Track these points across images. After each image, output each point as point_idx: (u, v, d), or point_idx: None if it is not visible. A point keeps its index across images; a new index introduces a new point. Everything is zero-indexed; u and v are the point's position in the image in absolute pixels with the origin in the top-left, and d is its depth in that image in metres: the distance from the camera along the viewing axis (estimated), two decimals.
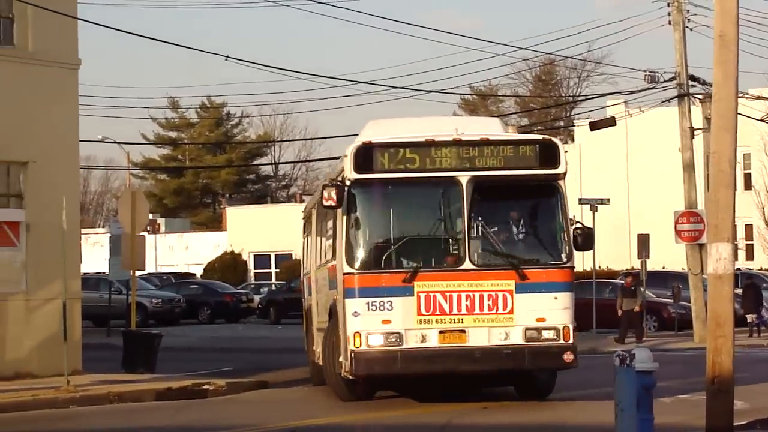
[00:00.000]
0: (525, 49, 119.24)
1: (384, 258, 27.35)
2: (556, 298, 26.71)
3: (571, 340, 26.57)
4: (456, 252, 27.28)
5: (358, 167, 26.77)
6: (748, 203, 77.02)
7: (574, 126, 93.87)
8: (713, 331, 22.80)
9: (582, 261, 74.60)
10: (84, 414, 28.75)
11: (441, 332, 26.49)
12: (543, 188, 27.83)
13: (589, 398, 29.69)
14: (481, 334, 26.50)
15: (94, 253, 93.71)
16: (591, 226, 29.35)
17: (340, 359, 27.74)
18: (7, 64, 34.55)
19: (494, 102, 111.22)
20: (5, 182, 35.18)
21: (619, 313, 51.30)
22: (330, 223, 30.14)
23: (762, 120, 61.48)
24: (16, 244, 34.93)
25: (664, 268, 65.41)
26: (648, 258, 55.57)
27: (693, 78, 52.17)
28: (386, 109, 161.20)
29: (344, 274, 26.94)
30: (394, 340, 26.31)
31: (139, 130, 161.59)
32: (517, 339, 26.40)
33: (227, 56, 42.40)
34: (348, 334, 26.52)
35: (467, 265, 26.77)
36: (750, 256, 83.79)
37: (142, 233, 41.37)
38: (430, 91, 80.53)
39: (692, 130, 52.20)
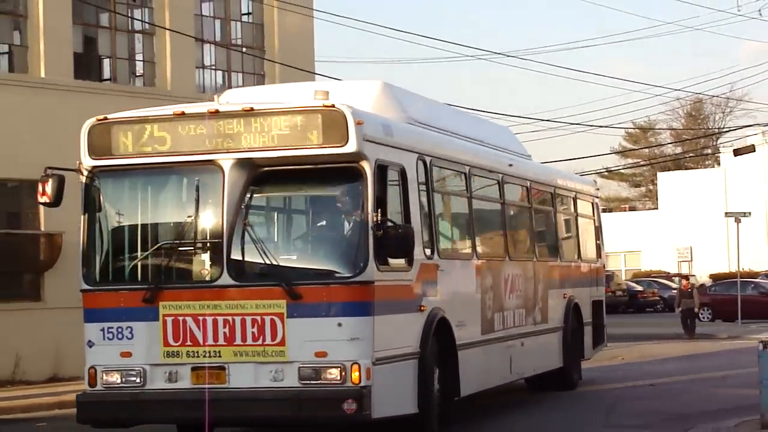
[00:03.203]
0: (678, 90, 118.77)
1: (126, 271, 16.83)
2: (340, 324, 15.65)
3: (361, 383, 15.40)
4: (212, 263, 16.29)
5: (93, 151, 16.51)
6: None
7: (720, 153, 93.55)
8: None
9: (728, 263, 73.97)
10: None
11: (194, 369, 15.90)
12: (333, 174, 16.28)
13: (739, 375, 27.54)
14: (245, 373, 15.86)
15: None
16: (407, 225, 16.70)
17: None
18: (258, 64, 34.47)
19: (653, 134, 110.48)
20: None
21: (677, 311, 50.49)
22: None
23: None
24: None
25: None
26: None
27: None
28: (564, 143, 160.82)
29: (81, 290, 16.65)
30: (133, 378, 16.05)
31: None
32: (291, 379, 15.70)
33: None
34: (85, 369, 16.33)
35: (225, 279, 15.96)
36: None
37: None
38: (601, 126, 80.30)
39: None
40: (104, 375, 15.95)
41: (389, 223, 15.87)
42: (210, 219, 16.14)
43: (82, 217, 16.53)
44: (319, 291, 15.64)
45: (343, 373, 15.29)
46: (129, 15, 32.25)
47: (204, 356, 15.64)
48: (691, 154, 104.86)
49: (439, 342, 17.52)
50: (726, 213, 55.58)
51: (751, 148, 56.77)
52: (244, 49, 34.50)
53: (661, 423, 20.73)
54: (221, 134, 15.93)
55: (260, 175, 16.14)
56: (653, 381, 28.49)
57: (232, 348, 15.61)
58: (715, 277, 73.44)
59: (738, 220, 53.07)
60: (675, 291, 58.47)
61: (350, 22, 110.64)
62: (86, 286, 16.35)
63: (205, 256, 16.18)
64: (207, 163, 15.99)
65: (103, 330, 16.08)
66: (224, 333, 15.62)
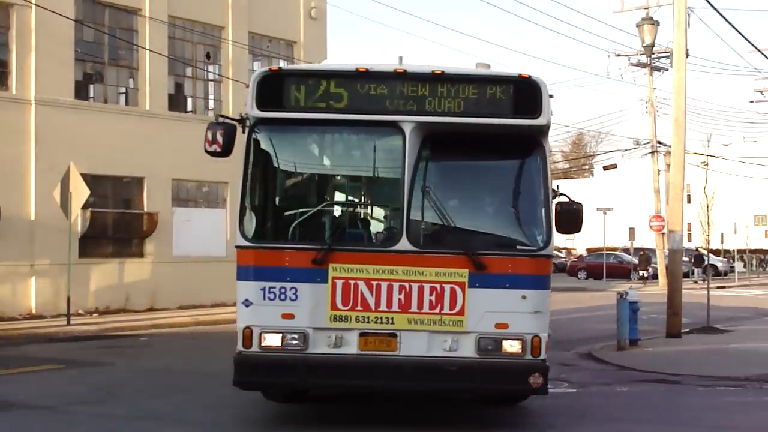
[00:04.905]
0: (567, 126, 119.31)
1: (291, 229, 11.08)
2: (524, 297, 10.61)
3: (541, 356, 10.64)
4: (390, 226, 11.02)
5: (263, 102, 10.89)
6: (688, 210, 76.31)
7: (594, 168, 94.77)
8: (671, 282, 22.59)
9: (597, 241, 74.69)
10: None
11: (362, 335, 10.67)
12: (517, 145, 11.05)
13: (604, 315, 27.99)
14: (417, 341, 10.65)
15: None
16: (578, 201, 11.31)
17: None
18: None
19: (550, 154, 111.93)
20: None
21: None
22: None
23: (697, 165, 60.64)
24: None
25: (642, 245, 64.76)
26: (634, 240, 55.39)
27: (660, 142, 51.42)
28: None
29: (237, 247, 10.97)
30: (296, 341, 10.68)
31: None
32: (467, 350, 10.63)
33: None
34: (238, 329, 10.81)
35: (404, 244, 10.58)
36: (689, 239, 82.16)
37: None
38: None
39: (659, 171, 51.63)
40: (263, 336, 10.56)
41: (564, 198, 11.24)
42: (389, 182, 10.95)
43: (243, 169, 10.85)
44: (504, 262, 10.62)
45: (524, 346, 10.51)
46: (205, 69, 32.28)
47: (375, 322, 10.51)
48: (574, 169, 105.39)
49: None
50: (597, 208, 55.98)
51: (614, 166, 57.84)
52: None
53: (552, 346, 20.99)
54: (404, 96, 10.70)
55: (442, 140, 10.83)
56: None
57: (407, 315, 10.50)
58: (589, 250, 74.20)
59: (605, 213, 53.64)
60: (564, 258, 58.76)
61: None
62: (245, 243, 10.69)
63: (383, 220, 11.16)
64: (388, 124, 10.70)
65: (263, 289, 10.58)
66: (399, 299, 10.49)
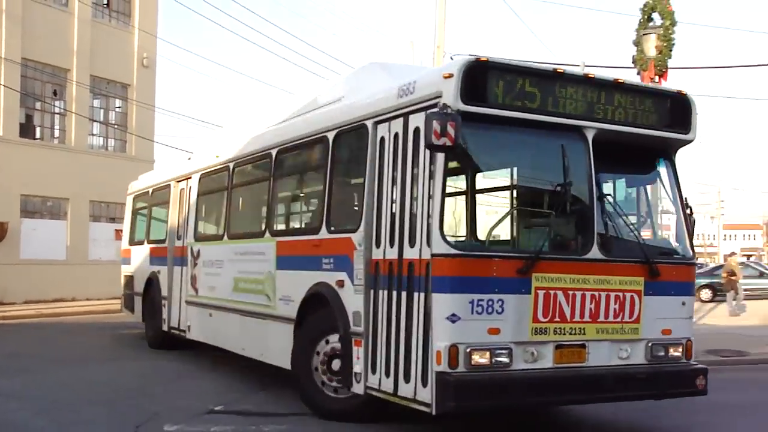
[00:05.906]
0: None
1: (494, 236, 8.49)
2: (684, 303, 8.80)
3: (693, 358, 8.91)
4: (582, 234, 8.22)
5: (468, 95, 7.52)
6: None
7: None
8: None
9: None
10: None
11: (558, 347, 8.02)
12: (663, 157, 9.06)
13: None
14: (601, 350, 8.30)
15: None
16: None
17: (385, 379, 8.37)
18: (123, 135, 33.69)
19: None
20: (112, 212, 33.01)
21: None
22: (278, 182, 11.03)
23: None
24: None
25: None
26: None
27: None
28: None
29: (436, 255, 7.60)
30: (503, 359, 7.68)
31: None
32: (638, 357, 8.53)
33: None
34: (436, 347, 7.53)
35: (595, 253, 8.12)
36: None
37: None
38: None
39: None
40: (471, 355, 7.66)
41: (688, 210, 9.25)
42: (577, 188, 8.41)
43: (439, 168, 7.80)
44: (671, 270, 8.77)
45: (683, 350, 8.86)
46: (52, 104, 31.14)
47: (570, 333, 8.20)
48: None
49: None
50: None
51: None
52: (116, 126, 33.70)
53: None
54: (587, 101, 8.45)
55: (610, 148, 8.54)
56: None
57: (595, 325, 8.32)
58: None
59: None
60: None
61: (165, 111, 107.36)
62: (451, 251, 7.71)
63: (577, 228, 8.48)
64: (572, 129, 8.36)
65: (472, 303, 7.68)
66: (590, 309, 8.26)
